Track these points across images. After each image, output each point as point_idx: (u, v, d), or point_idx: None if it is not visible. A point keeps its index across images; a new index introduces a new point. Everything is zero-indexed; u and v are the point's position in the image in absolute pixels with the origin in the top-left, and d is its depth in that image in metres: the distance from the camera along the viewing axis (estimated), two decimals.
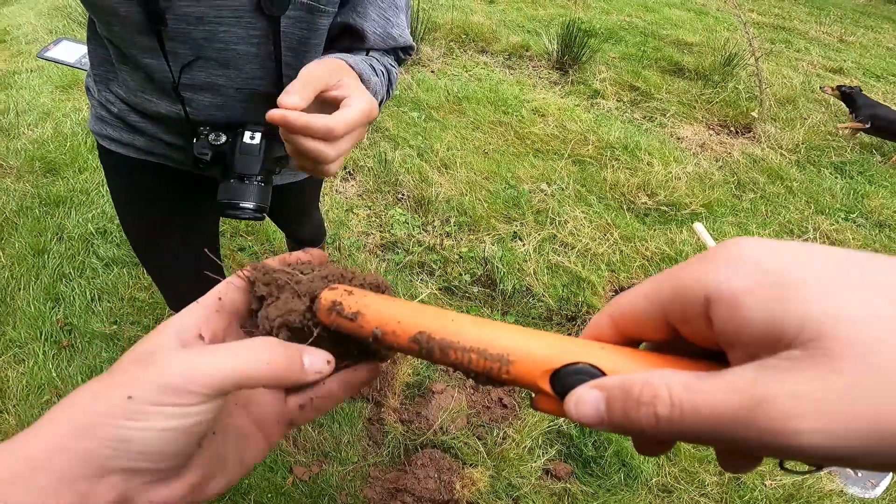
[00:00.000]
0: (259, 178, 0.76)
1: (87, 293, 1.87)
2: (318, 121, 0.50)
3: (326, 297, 0.33)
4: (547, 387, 0.26)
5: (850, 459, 0.18)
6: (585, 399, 0.23)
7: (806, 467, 0.20)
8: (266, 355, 0.28)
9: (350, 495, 1.44)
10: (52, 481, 0.24)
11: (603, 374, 0.25)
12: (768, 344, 0.19)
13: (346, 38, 0.77)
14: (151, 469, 0.26)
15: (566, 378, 0.25)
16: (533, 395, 0.28)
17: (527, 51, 3.92)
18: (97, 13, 0.70)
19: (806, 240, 2.50)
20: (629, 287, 2.16)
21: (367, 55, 0.76)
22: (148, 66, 0.73)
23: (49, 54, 1.23)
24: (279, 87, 0.77)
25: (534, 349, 0.27)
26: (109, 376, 0.27)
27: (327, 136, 0.51)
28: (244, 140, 0.76)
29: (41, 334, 1.73)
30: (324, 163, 0.54)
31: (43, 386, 1.60)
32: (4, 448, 0.25)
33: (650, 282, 0.25)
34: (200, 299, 0.33)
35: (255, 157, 0.76)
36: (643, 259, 2.26)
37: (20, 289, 1.87)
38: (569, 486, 1.51)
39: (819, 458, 0.18)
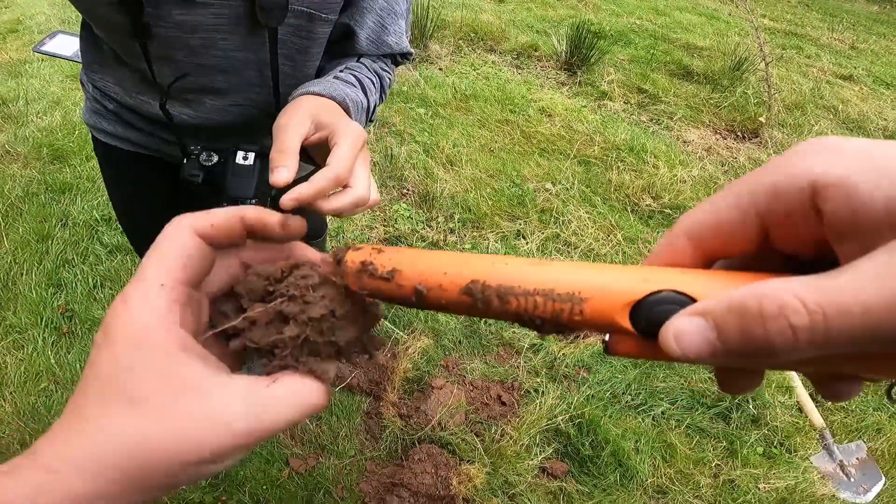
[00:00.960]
0: (253, 201, 0.72)
1: (90, 280, 1.88)
2: (322, 179, 0.47)
3: (353, 258, 0.29)
4: (627, 323, 0.23)
5: None
6: (687, 329, 0.20)
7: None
8: (315, 397, 0.28)
9: (346, 489, 1.44)
10: None
11: (692, 300, 0.22)
12: (892, 226, 0.18)
13: (341, 43, 0.76)
14: None
15: (650, 310, 0.22)
16: (606, 338, 0.25)
17: (535, 51, 3.91)
18: (92, 18, 0.69)
19: None
20: None
21: (357, 61, 0.75)
22: (145, 70, 0.72)
23: (45, 48, 1.23)
24: (276, 97, 0.76)
25: (608, 281, 0.23)
26: (161, 413, 0.26)
27: (340, 182, 0.49)
28: (237, 160, 0.71)
29: (41, 320, 1.73)
30: (361, 201, 0.51)
31: (41, 373, 1.61)
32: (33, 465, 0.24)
33: (734, 186, 0.23)
34: (156, 265, 0.29)
35: (248, 179, 0.71)
36: None
37: (23, 274, 1.88)
38: (565, 484, 1.51)
39: None
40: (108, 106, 0.85)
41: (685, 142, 3.17)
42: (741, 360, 0.20)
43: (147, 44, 0.66)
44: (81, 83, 0.90)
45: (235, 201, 0.71)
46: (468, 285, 0.25)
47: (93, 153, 2.51)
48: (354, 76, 0.70)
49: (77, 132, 2.56)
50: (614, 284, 0.23)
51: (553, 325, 0.24)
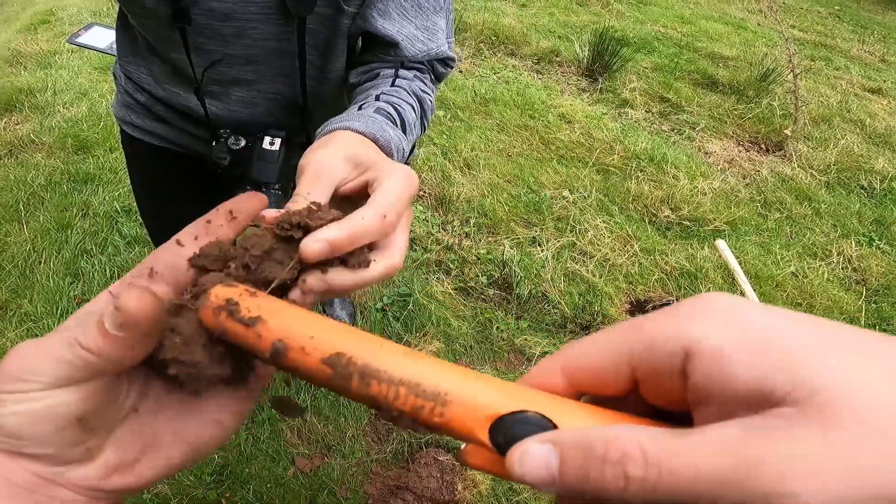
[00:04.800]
0: (276, 186, 0.73)
1: (108, 270, 1.90)
2: (361, 221, 0.34)
3: (219, 294, 0.26)
4: (485, 437, 0.22)
5: None
6: (534, 453, 0.20)
7: None
8: (93, 343, 0.25)
9: (350, 490, 1.44)
10: None
11: (554, 427, 0.22)
12: (753, 402, 0.18)
13: (376, 48, 0.71)
14: (47, 454, 0.26)
15: (510, 428, 0.22)
16: (462, 446, 0.24)
17: (556, 56, 3.89)
18: (127, 4, 0.70)
19: (829, 264, 2.43)
20: (646, 300, 2.13)
21: (392, 85, 0.67)
22: (176, 60, 0.72)
23: (80, 40, 1.24)
24: (303, 90, 0.76)
25: (476, 390, 0.23)
26: None
27: (385, 230, 0.36)
28: (263, 145, 0.73)
29: (57, 309, 1.76)
30: (392, 272, 0.37)
31: None
32: None
33: (613, 332, 0.23)
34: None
35: (273, 165, 0.72)
36: (662, 273, 2.22)
37: (41, 262, 1.91)
38: None
39: None
40: (140, 98, 0.86)
41: (707, 153, 3.12)
42: (576, 497, 0.20)
43: (185, 29, 0.66)
44: (114, 76, 0.91)
45: (258, 186, 0.73)
46: (332, 356, 0.24)
47: (116, 144, 2.55)
48: (394, 107, 0.60)
49: (102, 123, 2.60)
50: (481, 394, 0.23)
51: (410, 420, 0.23)
